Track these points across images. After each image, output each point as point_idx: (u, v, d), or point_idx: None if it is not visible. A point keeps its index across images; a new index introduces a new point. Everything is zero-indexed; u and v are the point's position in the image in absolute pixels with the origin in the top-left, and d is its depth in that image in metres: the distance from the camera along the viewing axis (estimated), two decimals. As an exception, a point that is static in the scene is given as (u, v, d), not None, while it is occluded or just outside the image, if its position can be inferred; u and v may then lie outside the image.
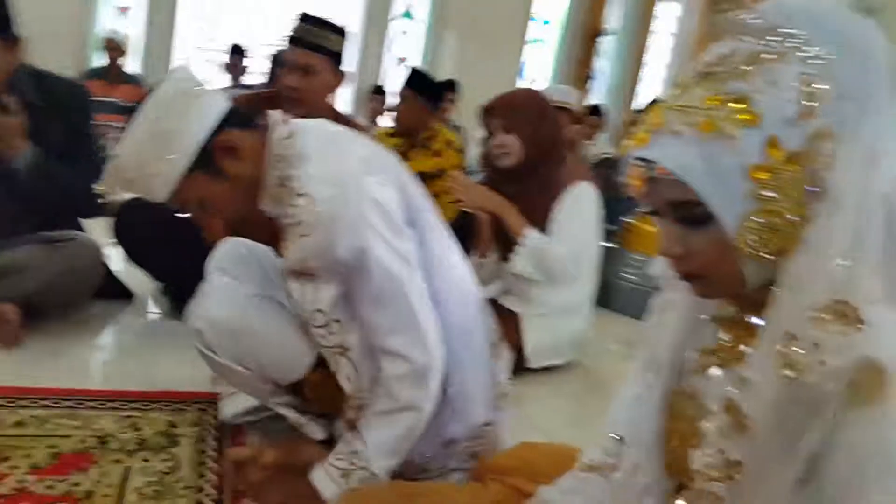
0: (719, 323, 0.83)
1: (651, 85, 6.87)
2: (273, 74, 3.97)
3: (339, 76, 2.07)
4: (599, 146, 4.32)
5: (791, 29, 0.69)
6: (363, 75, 5.60)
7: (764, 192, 0.67)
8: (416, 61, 5.89)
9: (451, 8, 5.67)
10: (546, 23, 6.20)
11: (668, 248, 0.74)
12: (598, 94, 6.28)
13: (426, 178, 2.89)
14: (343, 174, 1.17)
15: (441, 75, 4.87)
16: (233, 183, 1.20)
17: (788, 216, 0.68)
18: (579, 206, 2.06)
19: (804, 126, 0.67)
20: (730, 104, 0.67)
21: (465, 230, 1.90)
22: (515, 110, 2.06)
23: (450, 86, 4.80)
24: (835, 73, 0.67)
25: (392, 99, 4.68)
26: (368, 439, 1.18)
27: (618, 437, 0.98)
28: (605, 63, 6.47)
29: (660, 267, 0.88)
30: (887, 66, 0.69)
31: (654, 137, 0.71)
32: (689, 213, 0.70)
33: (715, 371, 0.82)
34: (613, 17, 6.40)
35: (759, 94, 0.67)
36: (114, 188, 1.37)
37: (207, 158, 1.18)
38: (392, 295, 1.15)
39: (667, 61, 7.03)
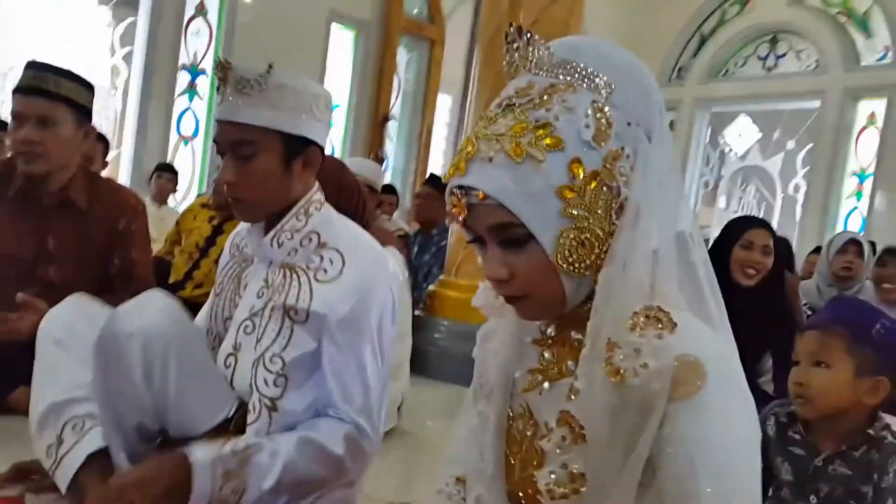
0: (541, 344, 0.86)
1: (432, 168, 7.33)
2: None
3: (89, 131, 1.92)
4: (395, 223, 4.54)
5: (579, 62, 0.75)
6: (146, 153, 5.39)
7: (572, 210, 0.73)
8: (200, 140, 5.80)
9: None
10: (335, 107, 6.42)
11: (493, 272, 0.77)
12: (386, 176, 6.58)
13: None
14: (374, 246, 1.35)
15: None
16: (282, 176, 1.31)
17: (597, 230, 0.74)
18: None
19: (601, 148, 0.73)
20: (535, 130, 0.72)
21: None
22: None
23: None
24: (620, 103, 0.75)
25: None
26: (282, 451, 1.19)
27: (454, 478, 0.98)
28: (390, 146, 6.82)
29: (481, 297, 0.93)
30: (660, 100, 0.78)
31: (470, 165, 0.74)
32: (510, 234, 0.74)
33: (546, 386, 0.84)
34: (397, 104, 6.81)
35: (558, 120, 0.72)
36: None
37: (296, 148, 1.31)
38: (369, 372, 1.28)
39: (442, 148, 7.55)
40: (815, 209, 6.65)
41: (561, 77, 0.75)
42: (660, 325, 0.73)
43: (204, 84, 5.76)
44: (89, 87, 1.92)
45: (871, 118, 6.39)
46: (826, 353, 1.33)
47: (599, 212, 0.74)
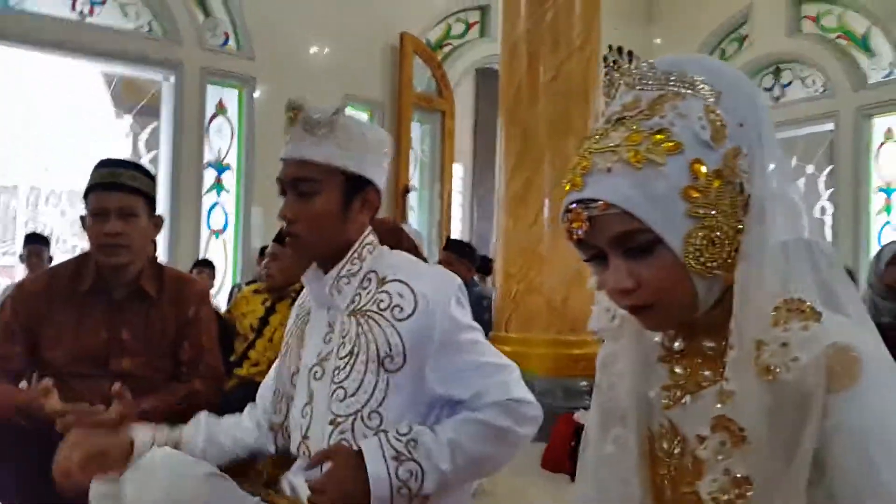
0: (669, 360, 0.85)
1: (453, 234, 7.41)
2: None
3: (157, 220, 1.99)
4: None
5: (683, 73, 0.77)
6: (179, 250, 5.49)
7: (699, 210, 0.72)
8: (230, 232, 5.91)
9: (255, 183, 5.82)
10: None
11: (619, 283, 0.75)
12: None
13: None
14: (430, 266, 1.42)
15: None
16: (340, 215, 1.34)
17: (726, 228, 0.73)
18: None
19: (719, 148, 0.74)
20: (651, 137, 0.73)
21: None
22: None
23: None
24: (729, 107, 0.76)
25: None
26: (442, 434, 1.19)
27: None
28: (412, 216, 6.91)
29: (596, 320, 0.91)
30: (765, 105, 0.79)
31: (587, 179, 0.74)
32: (635, 242, 0.74)
33: (688, 399, 0.82)
34: (415, 175, 6.93)
35: (673, 126, 0.73)
36: None
37: (357, 188, 1.34)
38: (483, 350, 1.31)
39: (459, 215, 7.63)
40: (845, 229, 6.60)
41: (668, 87, 0.76)
42: (804, 317, 0.72)
43: (230, 179, 5.91)
44: (153, 178, 2.01)
45: (889, 133, 6.40)
46: None
47: (726, 209, 0.73)
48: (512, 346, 3.27)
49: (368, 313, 1.28)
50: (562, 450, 2.61)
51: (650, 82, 0.77)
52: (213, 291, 5.15)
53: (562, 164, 3.48)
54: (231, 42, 5.90)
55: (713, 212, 0.73)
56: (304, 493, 1.21)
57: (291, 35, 6.03)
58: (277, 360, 1.48)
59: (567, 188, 0.77)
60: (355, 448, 1.20)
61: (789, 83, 7.28)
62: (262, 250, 5.08)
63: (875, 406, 0.69)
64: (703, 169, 0.72)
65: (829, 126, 6.83)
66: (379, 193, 1.39)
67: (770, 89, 7.44)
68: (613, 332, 0.89)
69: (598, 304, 0.92)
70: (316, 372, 1.32)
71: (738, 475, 0.73)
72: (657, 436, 0.85)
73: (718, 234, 0.73)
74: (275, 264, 2.91)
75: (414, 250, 2.03)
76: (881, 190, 6.50)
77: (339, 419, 1.26)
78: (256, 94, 5.89)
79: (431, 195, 6.99)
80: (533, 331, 3.36)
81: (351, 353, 1.28)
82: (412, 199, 6.74)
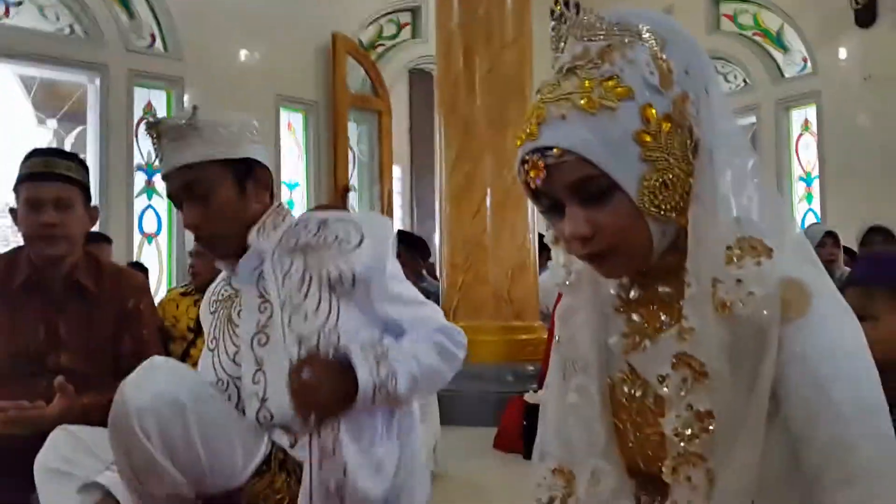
0: (626, 309, 0.87)
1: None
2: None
3: (93, 212, 1.93)
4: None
5: (629, 23, 0.78)
6: (112, 254, 5.30)
7: (651, 153, 0.74)
8: (164, 236, 5.76)
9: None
10: (294, 185, 6.48)
11: (577, 230, 0.76)
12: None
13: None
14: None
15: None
16: (240, 201, 1.38)
17: (677, 171, 0.75)
18: None
19: (668, 93, 0.75)
20: (602, 84, 0.74)
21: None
22: None
23: None
24: (675, 54, 0.77)
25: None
26: (404, 347, 1.31)
27: (552, 469, 0.96)
28: (352, 217, 6.87)
29: (553, 276, 0.93)
30: (706, 57, 0.81)
31: (542, 128, 0.75)
32: (592, 188, 0.75)
33: (648, 343, 0.84)
34: (354, 175, 6.90)
35: (623, 72, 0.74)
36: None
37: (243, 172, 1.38)
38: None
39: (399, 215, 7.63)
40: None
41: (615, 37, 0.77)
42: (756, 253, 0.74)
43: (161, 182, 5.74)
44: (87, 169, 1.95)
45: (806, 124, 6.72)
46: (870, 306, 1.35)
47: (677, 153, 0.75)
48: (459, 335, 3.29)
49: (314, 248, 1.36)
50: (513, 430, 2.65)
51: (598, 33, 0.78)
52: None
53: (502, 157, 3.53)
54: (158, 43, 5.76)
55: (665, 155, 0.74)
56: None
57: (220, 36, 5.93)
58: (202, 361, 1.47)
59: (522, 138, 0.77)
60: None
61: (712, 79, 7.56)
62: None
63: (824, 333, 0.73)
64: (654, 113, 0.74)
65: (752, 119, 7.12)
66: (266, 169, 1.44)
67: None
68: (571, 286, 0.91)
69: (555, 258, 0.93)
70: (259, 339, 1.35)
71: (701, 409, 0.75)
72: (618, 382, 0.87)
73: (671, 176, 0.75)
74: (199, 262, 2.86)
75: None
76: (801, 179, 6.82)
77: (304, 339, 1.31)
78: (186, 97, 5.76)
79: (371, 195, 6.96)
80: (480, 319, 3.39)
81: (303, 279, 1.34)
82: (352, 199, 6.70)
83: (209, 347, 1.45)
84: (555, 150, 0.74)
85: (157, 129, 1.34)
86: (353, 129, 6.86)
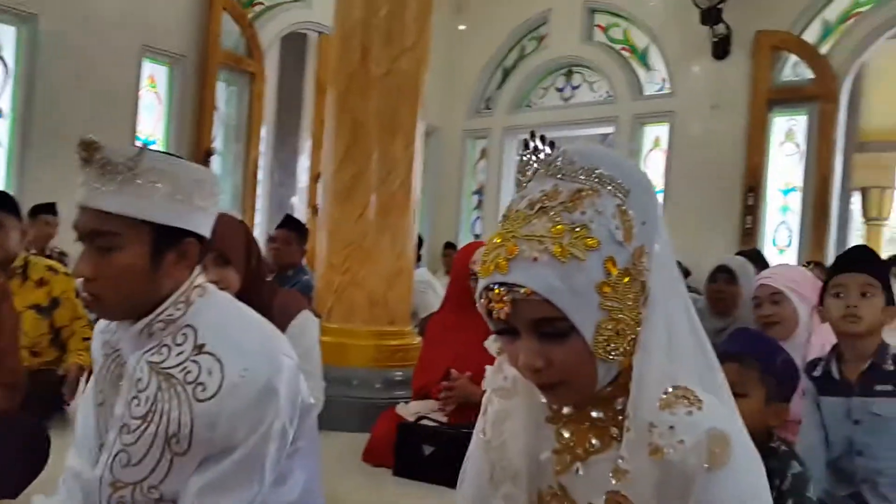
0: (556, 421, 0.91)
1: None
2: None
3: None
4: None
5: (599, 169, 0.83)
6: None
7: (609, 303, 0.79)
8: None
9: (35, 134, 5.20)
10: (152, 143, 6.09)
11: (531, 362, 0.81)
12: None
13: (43, 310, 2.81)
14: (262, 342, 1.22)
15: (31, 199, 4.45)
16: (149, 272, 1.16)
17: (629, 320, 0.81)
18: (309, 337, 2.07)
19: (628, 246, 0.81)
20: (573, 232, 0.79)
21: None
22: (225, 239, 1.78)
23: (48, 208, 4.45)
24: (636, 204, 0.83)
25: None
26: None
27: None
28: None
29: (491, 381, 0.98)
30: (657, 200, 0.87)
31: (512, 264, 0.79)
32: (552, 328, 0.80)
33: (579, 466, 0.89)
34: (219, 138, 6.59)
35: (592, 223, 0.79)
36: None
37: (168, 240, 1.17)
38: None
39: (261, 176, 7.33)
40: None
41: (585, 182, 0.82)
42: (688, 403, 0.83)
43: (2, 127, 5.20)
44: None
45: (657, 141, 7.25)
46: (744, 383, 1.51)
47: (630, 303, 0.81)
48: (333, 336, 3.32)
49: (173, 380, 1.16)
50: (384, 444, 2.72)
51: (570, 174, 0.83)
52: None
53: (390, 162, 3.55)
54: (8, -29, 5.15)
55: (620, 306, 0.80)
56: None
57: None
58: (85, 414, 1.33)
59: (490, 269, 0.81)
60: None
61: (578, 86, 7.94)
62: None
63: (740, 482, 0.82)
64: (615, 266, 0.80)
65: (610, 129, 7.57)
66: (202, 243, 1.22)
67: (561, 90, 8.05)
68: (506, 391, 0.96)
69: (495, 364, 0.99)
70: (121, 458, 1.20)
71: None
72: (547, 496, 0.92)
73: (623, 326, 0.81)
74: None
75: (260, 265, 1.98)
76: (648, 191, 7.34)
77: (119, 484, 1.18)
78: (39, 34, 5.22)
79: (237, 159, 6.69)
80: (353, 322, 3.43)
81: (144, 417, 1.17)
82: (215, 162, 6.41)
83: (97, 402, 1.29)
84: (523, 290, 0.78)
85: (90, 153, 1.11)
86: (221, 90, 6.52)
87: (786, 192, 6.39)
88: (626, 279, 0.81)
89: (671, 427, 0.81)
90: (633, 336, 0.82)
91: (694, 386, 0.85)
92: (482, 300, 0.83)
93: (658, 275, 0.84)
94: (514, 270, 0.79)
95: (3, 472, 1.80)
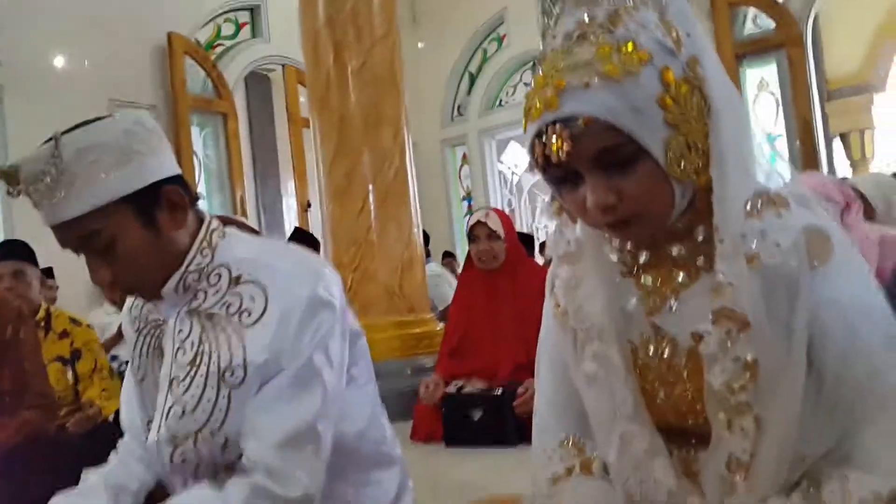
0: (636, 272, 0.87)
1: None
2: None
3: None
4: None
5: None
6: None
7: (674, 117, 0.74)
8: None
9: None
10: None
11: (602, 200, 0.76)
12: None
13: (66, 362, 2.74)
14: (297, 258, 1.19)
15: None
16: (156, 240, 1.12)
17: (698, 132, 0.76)
18: None
19: (680, 56, 0.77)
20: (620, 49, 0.74)
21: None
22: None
23: (45, 273, 4.34)
24: (676, 17, 0.79)
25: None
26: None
27: (560, 441, 0.96)
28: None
29: (556, 247, 0.92)
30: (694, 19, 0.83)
31: (563, 98, 0.74)
32: (619, 155, 0.75)
33: (673, 302, 0.84)
34: (201, 183, 6.54)
35: (639, 36, 0.75)
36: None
37: (148, 201, 1.11)
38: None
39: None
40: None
41: (619, 2, 0.77)
42: (774, 205, 0.78)
43: None
44: None
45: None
46: None
47: (695, 115, 0.76)
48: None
49: (215, 318, 1.13)
50: (429, 419, 2.70)
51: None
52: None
53: (380, 152, 3.52)
54: (-33, 46, 5.13)
55: (686, 118, 0.75)
56: None
57: (44, 38, 5.38)
58: (128, 396, 1.30)
59: (539, 109, 0.75)
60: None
61: (546, 77, 7.96)
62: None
63: (849, 278, 0.78)
64: (673, 76, 0.75)
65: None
66: (175, 183, 1.14)
67: (529, 84, 8.06)
68: (572, 256, 0.91)
69: (555, 229, 0.94)
70: (176, 412, 1.15)
71: (749, 359, 0.76)
72: (640, 344, 0.87)
73: (693, 138, 0.76)
74: None
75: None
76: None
77: (178, 439, 1.12)
78: (5, 106, 5.18)
79: (223, 202, 6.64)
80: (372, 316, 3.36)
81: (192, 362, 1.12)
82: (203, 207, 6.34)
83: (139, 378, 1.25)
84: (580, 120, 0.73)
85: (14, 178, 1.04)
86: (196, 134, 6.50)
87: (771, 139, 6.41)
88: (685, 88, 0.75)
89: (762, 231, 0.76)
90: (705, 150, 0.77)
91: (777, 189, 0.80)
92: (535, 150, 0.77)
93: (719, 85, 0.79)
94: (567, 102, 0.73)
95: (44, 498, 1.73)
